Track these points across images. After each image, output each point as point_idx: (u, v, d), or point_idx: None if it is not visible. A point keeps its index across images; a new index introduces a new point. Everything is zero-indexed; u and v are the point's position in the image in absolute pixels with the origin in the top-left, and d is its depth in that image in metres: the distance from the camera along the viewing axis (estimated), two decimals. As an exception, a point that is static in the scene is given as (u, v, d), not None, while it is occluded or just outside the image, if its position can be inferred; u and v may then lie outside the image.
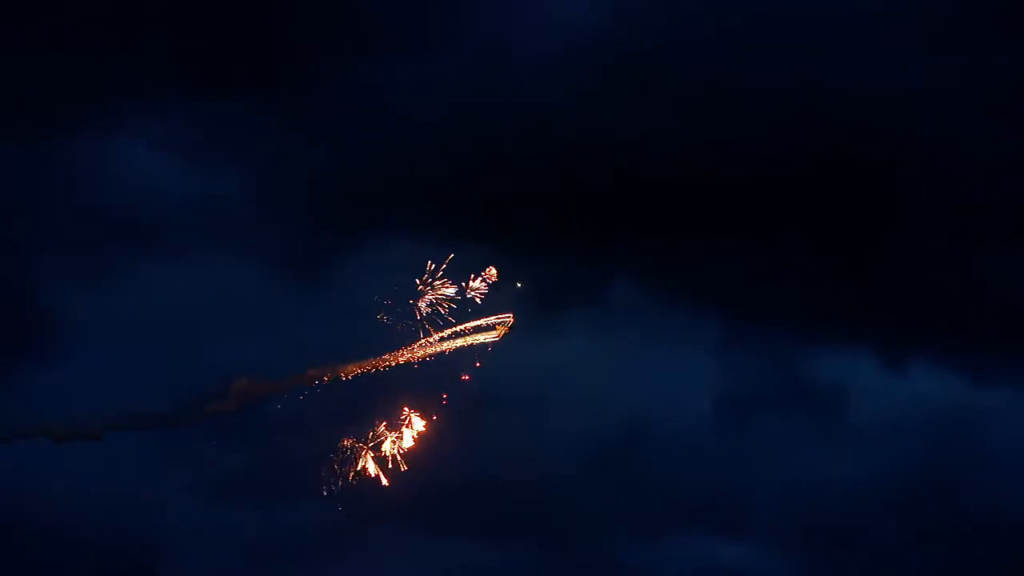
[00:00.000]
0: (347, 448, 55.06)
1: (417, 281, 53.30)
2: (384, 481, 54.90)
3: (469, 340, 55.08)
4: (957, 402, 61.25)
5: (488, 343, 55.14)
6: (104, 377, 58.45)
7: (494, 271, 53.65)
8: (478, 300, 53.84)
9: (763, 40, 61.67)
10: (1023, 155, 60.60)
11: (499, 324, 54.98)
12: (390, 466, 54.84)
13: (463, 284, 53.61)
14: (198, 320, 59.68)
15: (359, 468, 54.81)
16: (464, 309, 53.89)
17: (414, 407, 55.91)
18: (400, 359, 55.19)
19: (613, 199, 60.54)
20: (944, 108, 61.32)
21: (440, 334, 55.16)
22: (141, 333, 59.63)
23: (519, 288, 54.63)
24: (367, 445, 54.86)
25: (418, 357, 55.17)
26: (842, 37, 61.54)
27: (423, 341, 54.96)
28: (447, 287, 53.49)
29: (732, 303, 60.95)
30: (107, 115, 62.56)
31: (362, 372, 55.33)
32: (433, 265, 53.50)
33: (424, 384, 57.97)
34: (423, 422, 55.23)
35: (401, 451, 54.88)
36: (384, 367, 55.30)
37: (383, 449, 54.82)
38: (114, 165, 62.73)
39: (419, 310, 53.66)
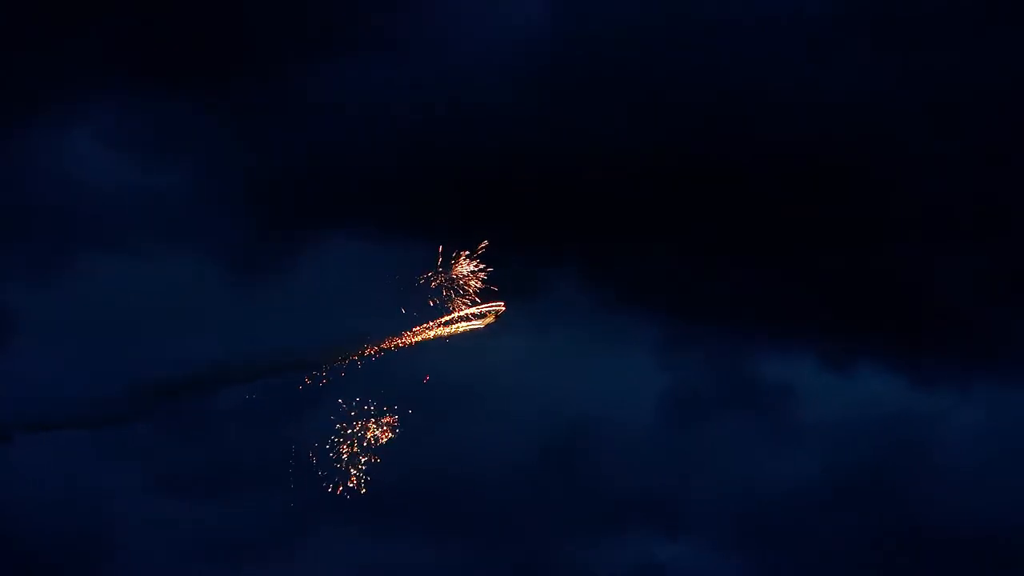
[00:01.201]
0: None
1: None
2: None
3: (462, 327, 55.81)
4: (901, 404, 61.54)
5: (478, 328, 55.97)
6: (45, 371, 58.64)
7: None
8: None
9: (713, 42, 61.81)
10: (968, 158, 60.67)
11: (489, 312, 55.72)
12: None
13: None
14: (141, 315, 59.79)
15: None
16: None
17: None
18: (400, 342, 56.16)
19: (556, 197, 60.48)
20: (889, 110, 61.43)
21: (438, 320, 55.99)
22: (83, 327, 59.79)
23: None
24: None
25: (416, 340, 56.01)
26: (788, 39, 61.62)
27: (422, 327, 55.93)
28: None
29: (676, 303, 61.01)
30: (52, 109, 62.58)
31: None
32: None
33: (375, 382, 58.54)
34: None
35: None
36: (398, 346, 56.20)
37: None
38: (59, 159, 62.68)
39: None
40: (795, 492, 59.87)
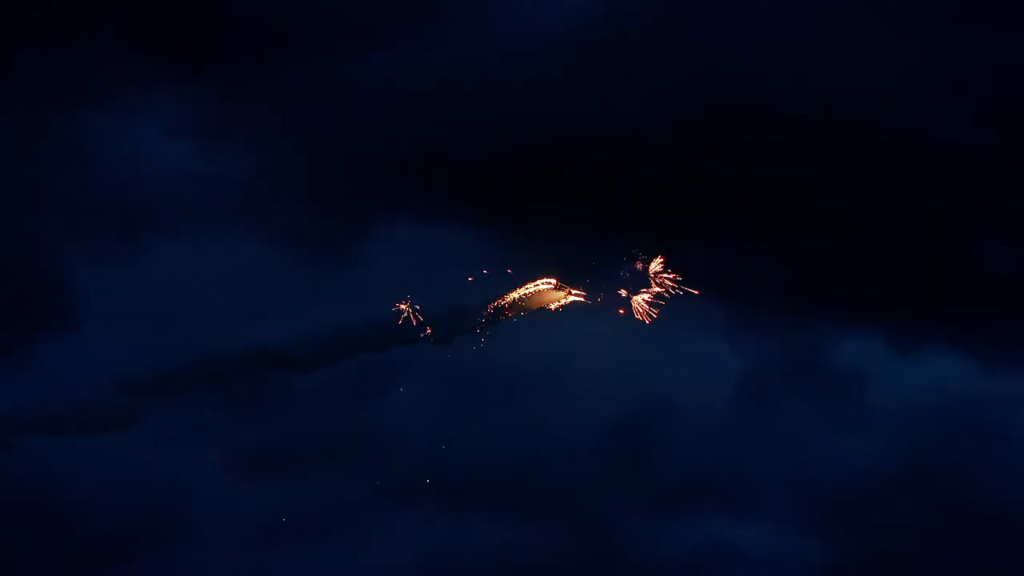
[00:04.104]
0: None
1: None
2: None
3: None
4: (971, 388, 61.66)
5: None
6: (115, 353, 59.22)
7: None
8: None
9: (754, 30, 61.90)
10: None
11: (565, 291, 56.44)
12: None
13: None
14: (208, 299, 60.44)
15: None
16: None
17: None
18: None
19: (620, 181, 60.58)
20: (941, 88, 61.22)
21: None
22: (152, 311, 60.42)
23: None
24: None
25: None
26: (832, 25, 61.50)
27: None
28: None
29: (744, 287, 61.01)
30: (116, 99, 63.01)
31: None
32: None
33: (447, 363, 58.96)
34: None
35: None
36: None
37: None
38: (124, 148, 63.24)
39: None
40: (866, 474, 60.13)
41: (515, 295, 57.10)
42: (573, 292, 57.82)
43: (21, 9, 62.44)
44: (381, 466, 59.98)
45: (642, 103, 62.07)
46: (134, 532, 59.32)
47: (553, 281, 57.48)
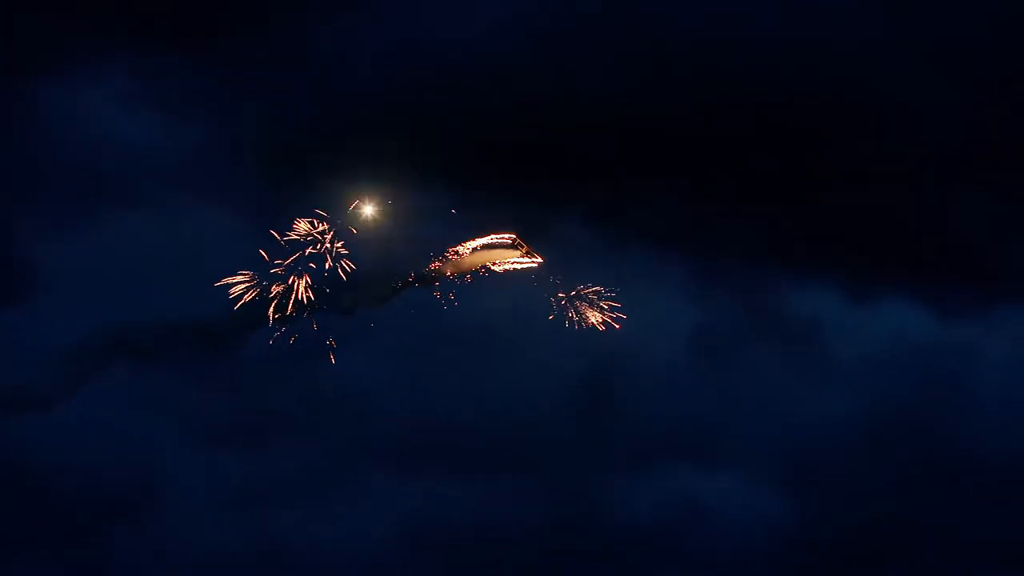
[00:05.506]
0: None
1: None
2: None
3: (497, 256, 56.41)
4: (928, 337, 62.32)
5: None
6: (68, 325, 58.96)
7: None
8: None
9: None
10: (992, 90, 61.13)
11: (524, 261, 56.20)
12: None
13: None
14: (162, 268, 60.20)
15: None
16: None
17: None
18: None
19: (579, 137, 60.71)
20: (904, 47, 62.05)
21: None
22: (106, 281, 60.09)
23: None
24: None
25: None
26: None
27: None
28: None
29: (699, 240, 61.32)
30: (81, 67, 62.78)
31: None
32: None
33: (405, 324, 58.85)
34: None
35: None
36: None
37: None
38: (77, 118, 62.93)
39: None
40: (830, 424, 60.52)
41: (470, 246, 56.86)
42: (529, 253, 57.62)
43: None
44: (346, 432, 60.12)
45: (602, 64, 62.45)
46: (100, 504, 59.16)
47: (511, 236, 57.26)
